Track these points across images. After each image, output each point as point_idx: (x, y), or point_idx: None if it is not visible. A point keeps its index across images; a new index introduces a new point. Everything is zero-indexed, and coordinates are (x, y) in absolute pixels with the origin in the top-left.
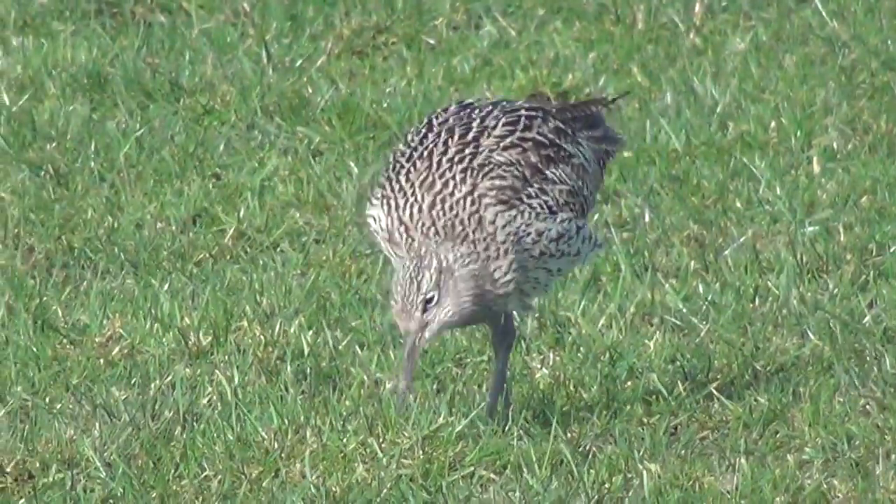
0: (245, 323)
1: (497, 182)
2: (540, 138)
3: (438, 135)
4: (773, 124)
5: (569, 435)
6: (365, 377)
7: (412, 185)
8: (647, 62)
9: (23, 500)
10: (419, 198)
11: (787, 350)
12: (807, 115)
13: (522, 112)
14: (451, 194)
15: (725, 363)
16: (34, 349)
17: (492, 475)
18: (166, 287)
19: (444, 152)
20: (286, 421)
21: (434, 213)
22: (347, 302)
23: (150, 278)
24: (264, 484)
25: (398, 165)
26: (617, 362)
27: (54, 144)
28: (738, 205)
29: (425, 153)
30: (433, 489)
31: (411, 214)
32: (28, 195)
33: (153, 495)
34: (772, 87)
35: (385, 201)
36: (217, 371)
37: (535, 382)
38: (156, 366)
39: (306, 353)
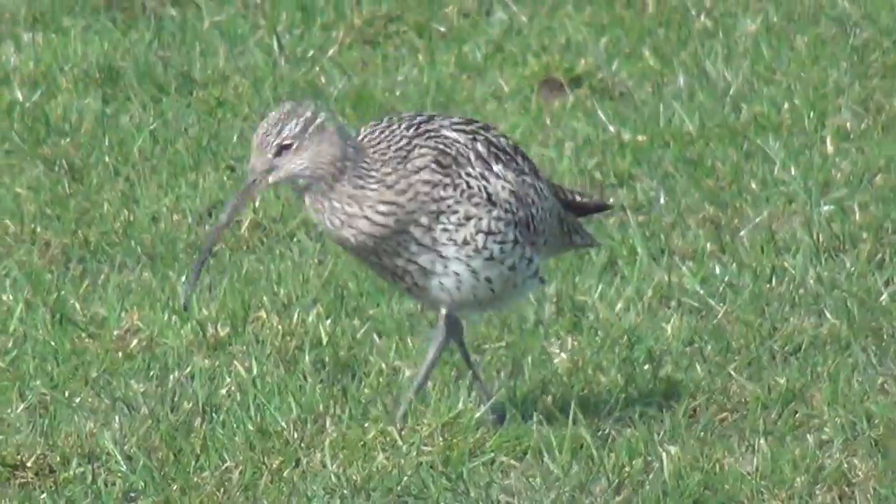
0: (263, 313)
1: (440, 146)
2: (493, 139)
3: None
4: (785, 105)
5: (588, 419)
6: (383, 365)
7: (365, 138)
8: (659, 45)
9: (44, 495)
10: (365, 135)
11: (804, 330)
12: (819, 95)
13: (480, 122)
14: (395, 139)
15: (743, 344)
16: (53, 343)
17: (512, 461)
18: (183, 279)
19: (401, 120)
20: (305, 411)
21: (374, 143)
22: (365, 290)
23: (168, 270)
24: (285, 474)
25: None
26: (635, 346)
27: (68, 139)
28: (753, 186)
29: (384, 122)
30: (454, 476)
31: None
32: (43, 190)
33: (174, 488)
34: (784, 68)
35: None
36: (235, 362)
37: (553, 367)
38: (174, 357)
39: (324, 342)
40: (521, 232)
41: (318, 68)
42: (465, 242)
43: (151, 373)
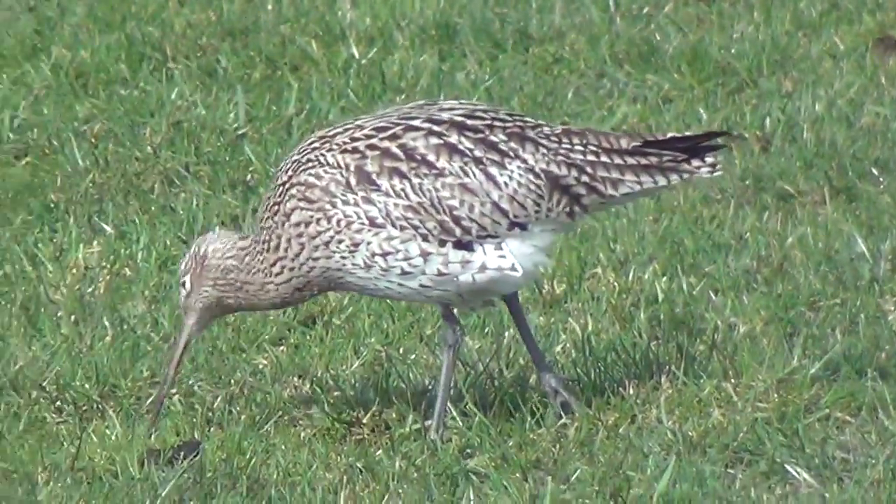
0: (599, 270)
1: (311, 180)
2: (396, 150)
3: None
4: None
5: None
6: (719, 322)
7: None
8: None
9: (380, 451)
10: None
11: None
12: None
13: (414, 122)
14: (278, 177)
15: None
16: (388, 301)
17: (847, 417)
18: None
19: (310, 136)
20: (641, 367)
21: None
22: (700, 247)
23: None
24: (621, 430)
25: None
26: None
27: (404, 96)
28: None
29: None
30: (789, 432)
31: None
32: None
33: (510, 444)
34: None
35: None
36: (571, 319)
37: (888, 324)
38: (509, 315)
39: (660, 299)
40: (440, 240)
41: (653, 25)
42: (367, 266)
43: (486, 329)
